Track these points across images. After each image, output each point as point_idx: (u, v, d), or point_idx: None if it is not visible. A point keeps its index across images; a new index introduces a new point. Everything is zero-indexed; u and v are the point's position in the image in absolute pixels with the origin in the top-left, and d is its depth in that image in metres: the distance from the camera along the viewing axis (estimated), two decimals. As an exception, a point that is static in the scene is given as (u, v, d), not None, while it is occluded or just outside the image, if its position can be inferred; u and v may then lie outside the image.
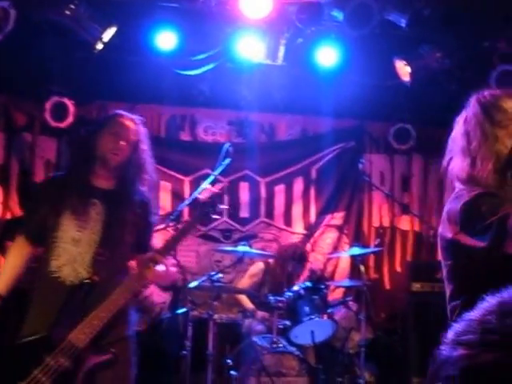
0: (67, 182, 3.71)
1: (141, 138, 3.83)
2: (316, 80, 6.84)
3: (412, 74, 6.42)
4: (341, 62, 6.53)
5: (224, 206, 3.58)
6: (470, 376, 0.89)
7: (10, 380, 3.33)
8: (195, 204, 3.80)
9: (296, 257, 6.61)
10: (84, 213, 3.61)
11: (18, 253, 3.73)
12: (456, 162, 2.72)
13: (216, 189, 3.75)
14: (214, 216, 3.75)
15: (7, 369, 3.38)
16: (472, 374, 0.89)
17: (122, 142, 3.70)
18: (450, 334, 0.97)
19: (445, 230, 2.72)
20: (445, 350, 0.96)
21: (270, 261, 6.81)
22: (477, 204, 2.54)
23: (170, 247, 3.76)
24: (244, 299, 6.54)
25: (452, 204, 2.68)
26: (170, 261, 3.62)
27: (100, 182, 3.73)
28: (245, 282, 6.70)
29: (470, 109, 2.71)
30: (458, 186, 2.70)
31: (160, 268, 3.70)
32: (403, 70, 6.49)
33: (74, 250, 3.56)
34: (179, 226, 5.51)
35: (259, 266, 6.79)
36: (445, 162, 2.82)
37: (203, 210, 3.73)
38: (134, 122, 3.83)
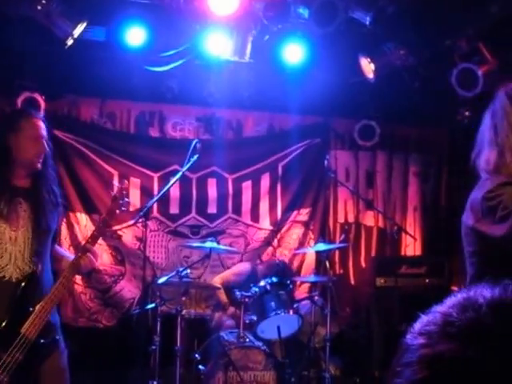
0: None
1: (47, 134, 3.95)
2: (283, 77, 6.93)
3: (376, 71, 6.51)
4: (307, 60, 6.59)
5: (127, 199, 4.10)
6: (426, 363, 0.93)
7: None
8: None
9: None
10: (14, 213, 3.72)
11: None
12: (484, 154, 2.75)
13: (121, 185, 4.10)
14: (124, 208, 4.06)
15: None
16: (428, 362, 0.93)
17: (43, 146, 3.82)
18: (416, 325, 1.00)
19: (467, 218, 2.77)
20: (408, 338, 0.99)
21: (260, 268, 6.88)
22: (499, 193, 2.60)
23: (96, 237, 3.96)
24: (220, 291, 6.58)
25: (475, 192, 2.74)
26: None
27: (20, 182, 3.82)
28: (226, 276, 6.73)
29: (498, 101, 2.75)
30: (484, 176, 2.75)
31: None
32: (367, 67, 6.57)
33: (12, 248, 3.67)
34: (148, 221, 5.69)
35: (246, 266, 6.85)
36: (473, 155, 2.83)
37: (116, 203, 3.99)
38: (42, 120, 3.92)
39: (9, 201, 3.71)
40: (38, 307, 3.55)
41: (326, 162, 6.90)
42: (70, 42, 5.89)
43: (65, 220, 6.69)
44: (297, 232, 7.74)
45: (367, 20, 5.91)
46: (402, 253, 8.01)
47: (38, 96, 6.43)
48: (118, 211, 4.04)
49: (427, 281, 7.30)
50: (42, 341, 3.58)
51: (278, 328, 5.88)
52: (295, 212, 7.74)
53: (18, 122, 3.84)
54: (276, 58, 6.63)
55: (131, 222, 6.81)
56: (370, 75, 6.59)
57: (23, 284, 3.60)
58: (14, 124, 3.84)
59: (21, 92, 6.37)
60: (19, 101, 6.35)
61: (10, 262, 3.64)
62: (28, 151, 3.76)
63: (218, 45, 6.29)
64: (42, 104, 6.42)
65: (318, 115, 7.70)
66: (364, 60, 6.59)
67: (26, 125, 3.81)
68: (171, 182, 6.09)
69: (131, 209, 6.99)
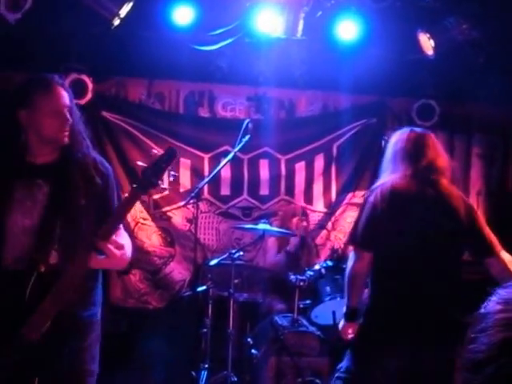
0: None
1: (72, 101, 3.33)
2: (336, 54, 6.72)
3: (436, 48, 6.28)
4: (362, 36, 6.39)
5: (173, 173, 3.01)
6: (503, 326, 0.95)
7: None
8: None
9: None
10: (30, 197, 3.22)
11: None
12: None
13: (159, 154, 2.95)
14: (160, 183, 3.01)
15: None
16: (505, 325, 0.95)
17: (65, 118, 3.22)
18: (493, 297, 1.03)
19: None
20: (484, 308, 1.03)
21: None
22: None
23: (116, 221, 3.06)
24: None
25: None
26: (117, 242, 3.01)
27: (40, 159, 3.28)
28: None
29: None
30: None
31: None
32: (426, 43, 6.35)
33: (25, 239, 3.17)
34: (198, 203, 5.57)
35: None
36: None
37: (145, 177, 2.95)
38: (60, 85, 3.27)
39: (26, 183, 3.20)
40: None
41: (383, 143, 6.66)
42: (116, 22, 5.85)
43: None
44: (352, 215, 7.45)
45: (426, -7, 5.68)
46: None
47: (85, 78, 6.44)
48: (149, 188, 2.98)
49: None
50: None
51: (334, 313, 5.72)
52: (350, 194, 7.53)
53: (31, 96, 3.19)
54: (329, 35, 6.45)
55: (182, 203, 6.78)
56: (430, 52, 6.36)
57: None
58: (26, 100, 3.20)
59: (68, 74, 6.36)
60: (67, 82, 6.32)
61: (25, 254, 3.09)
62: (49, 128, 3.19)
63: (269, 22, 6.17)
64: (90, 85, 6.43)
65: (373, 94, 7.44)
66: (423, 36, 6.35)
67: (42, 99, 3.18)
68: (222, 162, 6.02)
69: (181, 190, 6.97)
